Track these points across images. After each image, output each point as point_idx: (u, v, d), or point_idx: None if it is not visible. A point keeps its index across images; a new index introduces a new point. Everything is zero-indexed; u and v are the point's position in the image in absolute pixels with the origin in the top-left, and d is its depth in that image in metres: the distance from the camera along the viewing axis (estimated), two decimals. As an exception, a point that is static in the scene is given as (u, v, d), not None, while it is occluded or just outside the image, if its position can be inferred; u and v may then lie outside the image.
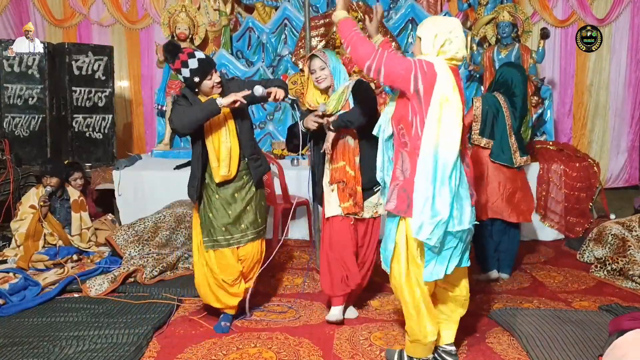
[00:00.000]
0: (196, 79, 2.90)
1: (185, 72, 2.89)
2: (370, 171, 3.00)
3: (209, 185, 3.05)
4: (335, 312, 3.17)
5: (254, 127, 6.22)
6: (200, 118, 2.86)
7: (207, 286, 3.11)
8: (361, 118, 2.97)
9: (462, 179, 2.46)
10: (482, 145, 3.79)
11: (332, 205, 3.13)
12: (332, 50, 3.15)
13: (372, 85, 5.75)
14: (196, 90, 2.98)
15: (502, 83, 3.85)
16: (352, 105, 3.06)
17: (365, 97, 3.05)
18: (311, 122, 3.03)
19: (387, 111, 2.60)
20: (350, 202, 3.09)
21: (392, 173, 2.54)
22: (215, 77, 2.95)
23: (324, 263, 3.18)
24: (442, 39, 2.42)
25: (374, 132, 2.69)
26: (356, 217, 3.12)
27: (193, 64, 2.88)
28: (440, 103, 2.36)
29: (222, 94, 2.96)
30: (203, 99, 2.96)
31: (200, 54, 2.92)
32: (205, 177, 3.05)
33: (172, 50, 2.93)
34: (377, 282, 3.85)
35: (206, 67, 2.92)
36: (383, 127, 2.62)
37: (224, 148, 2.98)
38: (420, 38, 2.50)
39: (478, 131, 3.79)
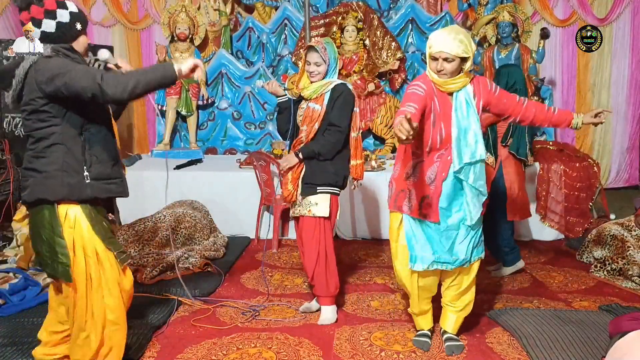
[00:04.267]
0: (78, 26, 2.27)
1: (63, 16, 2.23)
2: (318, 169, 3.07)
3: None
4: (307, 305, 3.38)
5: (254, 127, 6.25)
6: (152, 84, 2.16)
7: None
8: (333, 149, 3.04)
9: None
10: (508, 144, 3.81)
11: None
12: (333, 43, 3.14)
13: (372, 86, 5.77)
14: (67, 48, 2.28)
15: (506, 83, 3.82)
16: (326, 101, 3.05)
17: (339, 117, 3.03)
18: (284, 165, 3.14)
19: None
20: (289, 189, 3.12)
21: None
22: (88, 38, 2.37)
23: None
24: None
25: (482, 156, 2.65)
26: (295, 214, 3.19)
27: (72, 6, 2.29)
28: None
29: None
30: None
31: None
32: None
33: None
34: (378, 283, 3.86)
35: (85, 16, 2.35)
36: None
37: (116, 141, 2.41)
38: (464, 58, 2.55)
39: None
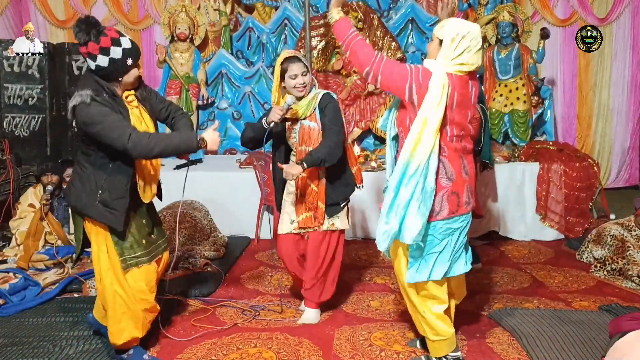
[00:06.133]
0: (129, 62, 2.49)
1: (116, 52, 2.45)
2: (337, 186, 3.04)
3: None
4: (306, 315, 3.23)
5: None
6: (173, 152, 2.52)
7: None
8: (335, 152, 2.89)
9: (425, 191, 2.42)
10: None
11: (284, 222, 3.15)
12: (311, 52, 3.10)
13: (372, 86, 5.76)
14: (116, 80, 2.53)
15: None
16: (318, 116, 2.97)
17: (334, 120, 2.95)
18: (275, 114, 2.89)
19: (392, 111, 2.63)
20: (306, 215, 3.04)
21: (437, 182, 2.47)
22: (141, 68, 2.64)
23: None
24: (463, 47, 2.42)
25: (379, 126, 2.72)
26: (309, 230, 3.07)
27: (126, 42, 2.49)
28: (423, 121, 2.38)
29: (140, 94, 2.67)
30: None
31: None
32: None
33: (92, 23, 2.43)
34: (378, 283, 3.86)
35: (138, 50, 2.55)
36: (389, 127, 2.65)
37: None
38: (440, 40, 2.47)
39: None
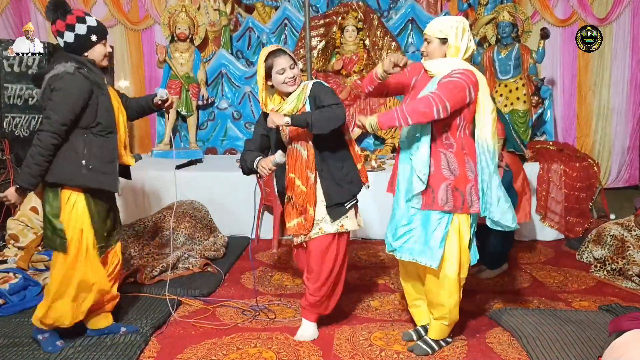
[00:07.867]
0: (93, 38, 2.66)
1: (80, 29, 2.63)
2: (341, 184, 2.79)
3: None
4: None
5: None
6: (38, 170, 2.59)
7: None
8: (328, 122, 2.61)
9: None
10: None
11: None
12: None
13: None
14: (82, 56, 2.68)
15: None
16: (308, 109, 2.73)
17: (330, 98, 2.68)
18: (263, 170, 2.75)
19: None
20: (297, 221, 2.81)
21: (436, 174, 2.58)
22: (108, 47, 2.77)
23: None
24: (467, 37, 2.58)
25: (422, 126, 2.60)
26: (300, 237, 2.85)
27: (91, 21, 2.68)
28: (483, 104, 2.58)
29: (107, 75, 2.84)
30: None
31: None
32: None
33: (60, 4, 2.64)
34: (378, 283, 3.86)
35: (104, 29, 2.74)
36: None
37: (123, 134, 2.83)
38: (441, 39, 2.56)
39: None
